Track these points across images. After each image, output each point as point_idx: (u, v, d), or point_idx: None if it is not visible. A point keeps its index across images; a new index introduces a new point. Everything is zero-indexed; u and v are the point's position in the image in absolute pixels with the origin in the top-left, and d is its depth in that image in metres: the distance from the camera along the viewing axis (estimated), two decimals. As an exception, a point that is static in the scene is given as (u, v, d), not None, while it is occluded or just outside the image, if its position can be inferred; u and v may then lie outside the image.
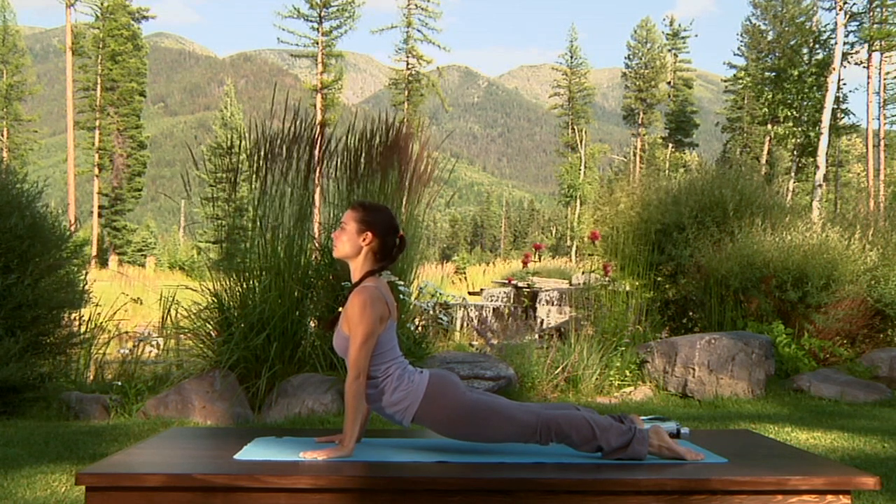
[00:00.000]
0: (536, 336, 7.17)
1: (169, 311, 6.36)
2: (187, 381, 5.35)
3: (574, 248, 39.49)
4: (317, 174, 6.16)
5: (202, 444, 2.72)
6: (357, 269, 2.57)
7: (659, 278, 8.62)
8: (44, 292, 5.62)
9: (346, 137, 6.14)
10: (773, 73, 31.16)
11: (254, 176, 5.97)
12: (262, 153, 5.90)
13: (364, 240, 2.54)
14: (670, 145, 49.45)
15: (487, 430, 2.44)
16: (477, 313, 10.59)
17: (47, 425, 4.97)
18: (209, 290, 5.80)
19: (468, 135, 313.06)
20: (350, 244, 2.56)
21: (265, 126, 5.90)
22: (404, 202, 6.23)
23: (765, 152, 41.06)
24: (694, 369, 6.17)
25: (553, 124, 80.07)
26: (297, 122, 5.90)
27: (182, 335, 6.31)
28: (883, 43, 28.71)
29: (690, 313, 8.52)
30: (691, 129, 51.27)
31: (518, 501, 2.17)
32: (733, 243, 7.63)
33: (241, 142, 6.09)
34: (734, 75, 43.89)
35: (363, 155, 6.09)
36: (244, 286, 5.75)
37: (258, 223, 5.90)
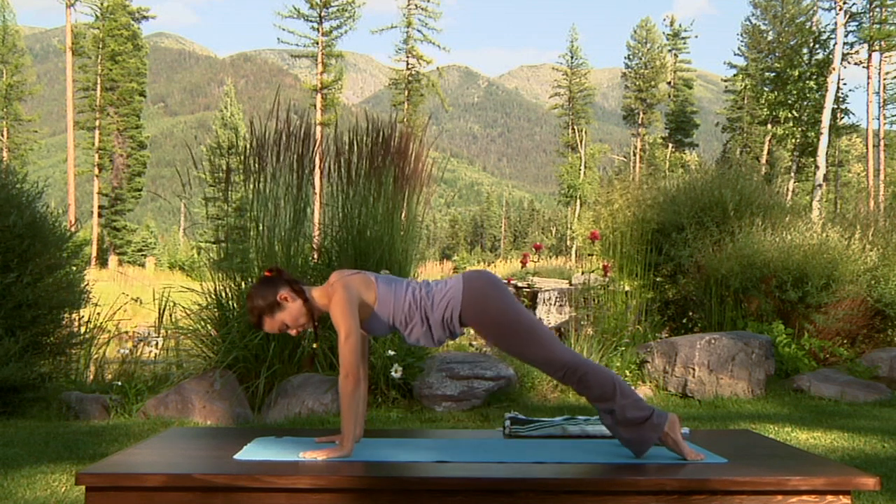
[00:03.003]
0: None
1: (164, 311, 6.37)
2: (187, 381, 5.35)
3: (574, 249, 39.49)
4: (316, 175, 6.17)
5: (202, 444, 2.72)
6: (313, 311, 2.52)
7: (658, 278, 8.62)
8: (44, 292, 5.62)
9: (335, 135, 6.14)
10: (773, 74, 31.18)
11: (253, 177, 5.97)
12: (257, 154, 5.91)
13: (286, 305, 2.48)
14: (670, 145, 49.45)
15: (527, 344, 2.45)
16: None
17: (47, 425, 4.97)
18: (208, 289, 5.80)
19: (468, 135, 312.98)
20: (290, 320, 2.49)
21: (260, 126, 5.90)
22: (403, 202, 6.23)
23: (765, 152, 41.07)
24: (694, 369, 6.17)
25: (553, 124, 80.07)
26: (293, 123, 5.90)
27: (182, 335, 6.31)
28: (883, 43, 28.71)
29: (690, 313, 8.51)
30: (691, 129, 51.26)
31: (518, 501, 2.17)
32: (733, 243, 7.63)
33: (237, 142, 6.10)
34: (734, 75, 43.89)
35: (358, 155, 6.09)
36: (243, 285, 5.75)
37: (255, 223, 5.91)
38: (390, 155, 6.12)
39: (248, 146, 5.99)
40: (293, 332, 2.53)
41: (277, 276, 2.51)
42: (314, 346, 3.05)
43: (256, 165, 5.92)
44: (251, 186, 5.97)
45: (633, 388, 2.48)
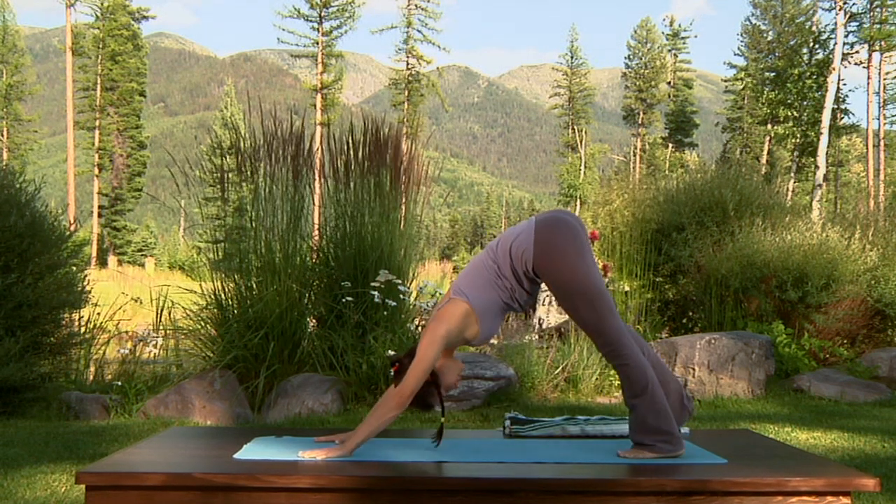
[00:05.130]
0: (536, 336, 7.17)
1: (162, 311, 6.36)
2: (187, 381, 5.35)
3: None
4: (316, 175, 6.17)
5: (202, 443, 2.72)
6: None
7: (658, 278, 8.62)
8: (44, 292, 5.61)
9: (330, 134, 6.15)
10: (773, 73, 31.18)
11: (250, 177, 5.98)
12: (256, 154, 5.92)
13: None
14: (670, 145, 49.47)
15: (587, 308, 2.38)
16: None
17: (47, 425, 4.97)
18: (208, 289, 5.80)
19: (468, 135, 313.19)
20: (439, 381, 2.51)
21: (259, 126, 5.91)
22: (401, 202, 6.23)
23: (765, 152, 41.08)
24: (694, 369, 6.17)
25: (553, 124, 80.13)
26: (289, 123, 5.91)
27: (181, 335, 6.31)
28: (883, 43, 28.71)
29: (690, 313, 8.52)
30: (691, 129, 51.28)
31: (518, 501, 2.16)
32: (733, 243, 7.63)
33: (237, 142, 6.10)
34: (734, 75, 43.91)
35: (355, 155, 6.09)
36: (242, 285, 5.75)
37: (252, 223, 5.91)
38: (387, 154, 6.12)
39: (246, 146, 5.99)
40: (453, 386, 2.59)
41: (402, 364, 2.52)
42: (443, 419, 2.59)
43: (255, 165, 5.93)
44: (250, 186, 5.98)
45: (665, 403, 2.45)
